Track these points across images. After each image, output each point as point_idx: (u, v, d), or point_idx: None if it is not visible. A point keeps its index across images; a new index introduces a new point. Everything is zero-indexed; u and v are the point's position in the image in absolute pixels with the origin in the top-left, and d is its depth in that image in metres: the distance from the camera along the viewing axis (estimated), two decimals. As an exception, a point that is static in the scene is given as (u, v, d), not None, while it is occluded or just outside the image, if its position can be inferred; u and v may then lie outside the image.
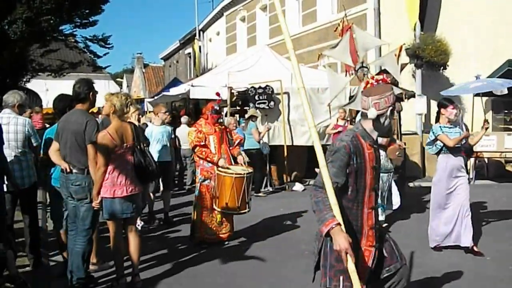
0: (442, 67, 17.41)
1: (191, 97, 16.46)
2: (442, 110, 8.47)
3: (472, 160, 16.07)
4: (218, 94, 9.46)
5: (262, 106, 15.03)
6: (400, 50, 12.95)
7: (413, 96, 13.63)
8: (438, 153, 8.43)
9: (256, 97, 15.05)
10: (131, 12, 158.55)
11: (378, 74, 12.36)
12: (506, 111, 18.58)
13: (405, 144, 11.52)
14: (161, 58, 54.44)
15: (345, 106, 13.40)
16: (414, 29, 16.84)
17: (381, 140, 9.26)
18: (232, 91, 15.66)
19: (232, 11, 32.34)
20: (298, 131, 15.53)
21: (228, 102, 15.51)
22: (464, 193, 8.25)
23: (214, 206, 8.66)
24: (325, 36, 21.49)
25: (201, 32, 38.88)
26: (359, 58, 12.30)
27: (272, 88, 15.07)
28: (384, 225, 9.67)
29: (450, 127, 8.35)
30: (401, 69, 12.56)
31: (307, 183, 15.44)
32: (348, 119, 14.98)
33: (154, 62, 59.63)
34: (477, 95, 16.85)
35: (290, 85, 15.53)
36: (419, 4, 16.85)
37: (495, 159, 16.87)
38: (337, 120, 14.87)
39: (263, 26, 28.35)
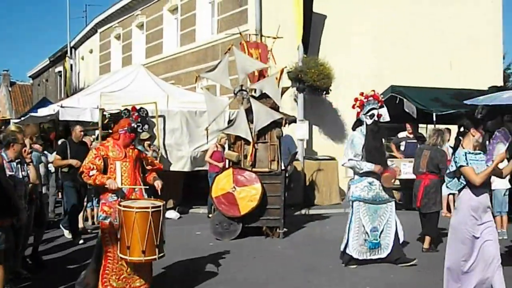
0: (325, 92, 17.31)
1: (60, 118, 15.37)
2: (471, 131, 6.72)
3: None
4: (134, 109, 8.26)
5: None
6: (281, 74, 12.69)
7: (294, 121, 13.30)
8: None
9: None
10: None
11: (262, 96, 11.93)
12: (388, 138, 18.64)
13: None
14: (30, 76, 52.24)
15: (224, 131, 12.79)
16: (297, 52, 16.67)
17: (372, 167, 8.64)
18: (104, 113, 14.77)
19: (106, 28, 31.20)
20: (174, 156, 14.86)
21: (100, 124, 14.61)
22: (495, 244, 6.57)
23: (118, 252, 6.74)
24: (204, 57, 21.00)
25: (73, 50, 37.46)
26: (239, 80, 11.89)
27: (146, 110, 14.25)
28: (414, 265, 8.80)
29: (476, 154, 6.63)
30: (282, 93, 12.16)
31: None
32: (226, 145, 14.32)
33: (21, 80, 56.51)
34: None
35: (166, 107, 14.90)
36: (302, 27, 16.67)
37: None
38: (217, 147, 14.12)
39: (139, 45, 27.50)
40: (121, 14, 28.87)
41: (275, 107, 11.63)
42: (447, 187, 6.99)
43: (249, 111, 11.41)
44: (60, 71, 40.23)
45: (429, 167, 10.04)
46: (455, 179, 6.69)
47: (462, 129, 6.90)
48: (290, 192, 14.46)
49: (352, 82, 18.30)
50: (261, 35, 15.16)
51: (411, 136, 15.57)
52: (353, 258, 8.81)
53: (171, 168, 14.83)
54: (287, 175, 13.66)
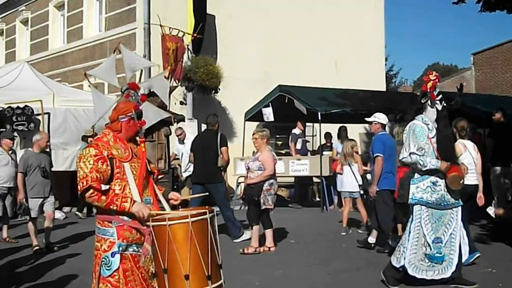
0: (213, 91, 17.46)
1: None
2: None
3: (242, 185, 16.14)
4: (135, 86, 5.62)
5: (20, 128, 13.76)
6: (170, 72, 12.73)
7: (183, 120, 13.35)
8: None
9: (14, 118, 13.78)
10: None
11: (150, 95, 11.88)
12: (277, 136, 19.16)
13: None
14: None
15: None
16: (187, 51, 16.70)
17: (438, 164, 6.95)
18: (-14, 111, 14.23)
19: (-12, 23, 29.91)
20: (60, 155, 14.51)
21: (-19, 123, 14.08)
22: None
23: None
24: (91, 54, 20.64)
25: (-47, 44, 35.45)
26: (126, 79, 11.79)
27: (32, 108, 13.89)
28: (474, 286, 7.18)
29: None
30: (171, 92, 12.16)
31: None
32: None
33: None
34: (248, 119, 17.13)
35: (52, 105, 14.54)
36: (193, 26, 16.72)
37: (265, 183, 17.13)
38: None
39: (23, 41, 26.69)
40: (4, 9, 27.80)
41: (163, 106, 11.59)
42: None
43: (137, 110, 11.34)
44: None
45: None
46: None
47: None
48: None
49: (240, 81, 18.62)
50: (149, 33, 15.14)
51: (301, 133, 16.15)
52: (408, 274, 7.14)
53: (57, 168, 14.46)
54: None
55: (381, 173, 9.57)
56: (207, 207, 4.62)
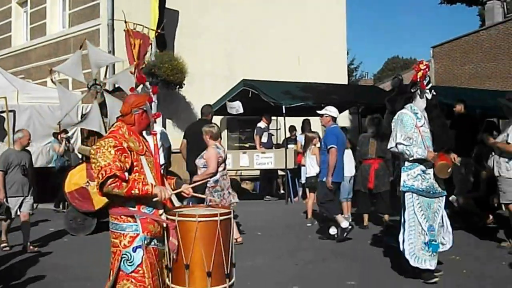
0: (178, 86, 17.51)
1: None
2: None
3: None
4: (142, 79, 6.02)
5: (-15, 125, 13.73)
6: (136, 68, 12.75)
7: (148, 114, 13.39)
8: None
9: (-22, 115, 13.75)
10: None
11: (116, 90, 11.94)
12: (241, 130, 19.35)
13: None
14: None
15: (77, 125, 12.64)
16: (151, 47, 16.72)
17: (425, 154, 6.95)
18: (-51, 108, 14.12)
19: None
20: (26, 152, 14.47)
21: None
22: None
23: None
24: (55, 51, 20.49)
25: None
26: (92, 75, 11.81)
27: (-4, 106, 13.85)
28: (439, 273, 7.16)
29: None
30: (136, 87, 12.19)
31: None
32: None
33: None
34: (215, 114, 17.26)
35: (16, 102, 14.50)
36: (156, 22, 16.75)
37: (231, 177, 17.27)
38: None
39: (-15, 38, 26.19)
40: (-35, 6, 27.35)
41: (128, 102, 11.67)
42: None
43: (103, 105, 11.38)
44: None
45: (378, 152, 10.73)
46: None
47: None
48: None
49: (205, 76, 18.74)
50: (113, 30, 15.08)
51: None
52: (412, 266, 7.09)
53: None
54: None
55: (335, 164, 9.75)
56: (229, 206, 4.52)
